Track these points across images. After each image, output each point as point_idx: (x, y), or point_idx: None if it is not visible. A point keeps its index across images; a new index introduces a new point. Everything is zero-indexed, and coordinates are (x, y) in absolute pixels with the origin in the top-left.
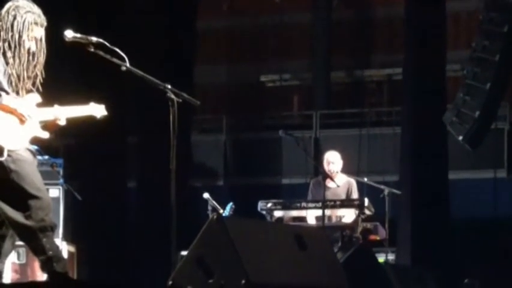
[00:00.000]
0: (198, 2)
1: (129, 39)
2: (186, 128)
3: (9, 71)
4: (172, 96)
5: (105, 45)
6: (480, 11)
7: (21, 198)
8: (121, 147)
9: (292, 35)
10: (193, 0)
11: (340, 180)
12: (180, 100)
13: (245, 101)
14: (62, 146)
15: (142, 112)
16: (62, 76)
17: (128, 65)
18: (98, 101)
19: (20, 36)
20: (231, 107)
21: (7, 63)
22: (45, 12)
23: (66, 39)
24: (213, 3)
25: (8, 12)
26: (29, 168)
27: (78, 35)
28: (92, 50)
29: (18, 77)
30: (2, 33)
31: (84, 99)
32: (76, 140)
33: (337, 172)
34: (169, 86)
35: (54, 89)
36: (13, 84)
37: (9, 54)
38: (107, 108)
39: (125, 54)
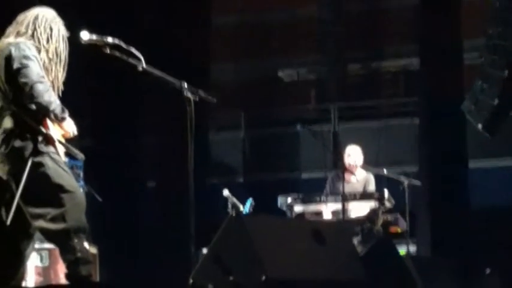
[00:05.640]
0: None
1: (143, 38)
2: (204, 126)
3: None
4: (189, 94)
5: (121, 46)
6: None
7: (57, 195)
8: (139, 147)
9: (309, 28)
10: None
11: (359, 175)
12: (197, 98)
13: (262, 97)
14: (81, 148)
15: (159, 111)
16: (74, 76)
17: (144, 65)
18: (112, 101)
19: (57, 47)
20: (249, 104)
21: (46, 70)
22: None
23: (82, 41)
24: None
25: (42, 22)
26: (65, 167)
27: (94, 37)
28: (108, 51)
29: (53, 85)
30: (42, 42)
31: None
32: (95, 142)
33: (356, 166)
34: (185, 85)
35: (68, 90)
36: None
37: (47, 63)
38: (122, 108)
39: (141, 54)
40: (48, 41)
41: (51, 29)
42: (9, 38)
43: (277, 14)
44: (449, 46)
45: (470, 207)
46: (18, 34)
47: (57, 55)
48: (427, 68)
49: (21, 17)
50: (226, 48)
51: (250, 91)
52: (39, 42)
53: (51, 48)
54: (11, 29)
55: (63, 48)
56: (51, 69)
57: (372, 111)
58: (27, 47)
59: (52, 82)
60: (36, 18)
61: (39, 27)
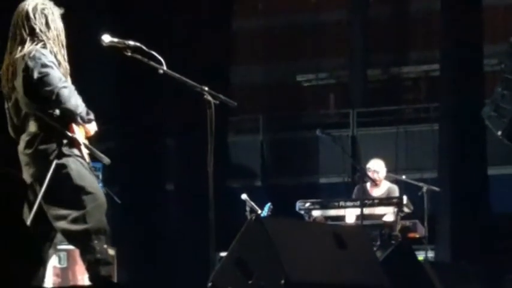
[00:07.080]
0: (234, 2)
1: (164, 41)
2: (223, 129)
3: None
4: (210, 98)
5: (142, 48)
6: None
7: (79, 196)
8: (159, 150)
9: (328, 33)
10: (229, 0)
11: (382, 187)
12: (217, 102)
13: (282, 101)
14: (101, 150)
15: (179, 114)
16: (97, 80)
17: (165, 68)
18: (136, 104)
19: (56, 29)
20: (268, 107)
21: (59, 59)
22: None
23: (104, 44)
24: (248, 3)
25: (35, 15)
26: (88, 169)
27: (116, 40)
28: (129, 54)
29: (65, 70)
30: (45, 33)
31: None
32: (115, 144)
33: (380, 179)
34: (206, 88)
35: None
36: None
37: (57, 51)
38: (145, 111)
39: (161, 57)
40: (49, 29)
41: (45, 16)
42: (18, 51)
43: (297, 18)
44: (470, 52)
45: (490, 213)
46: (22, 41)
47: (58, 37)
48: (448, 74)
49: (13, 20)
50: (246, 52)
51: (270, 95)
52: (42, 35)
53: (53, 35)
54: (14, 38)
55: (61, 28)
56: (60, 53)
57: (392, 117)
58: (42, 53)
59: (66, 68)
60: (27, 14)
61: (34, 21)
